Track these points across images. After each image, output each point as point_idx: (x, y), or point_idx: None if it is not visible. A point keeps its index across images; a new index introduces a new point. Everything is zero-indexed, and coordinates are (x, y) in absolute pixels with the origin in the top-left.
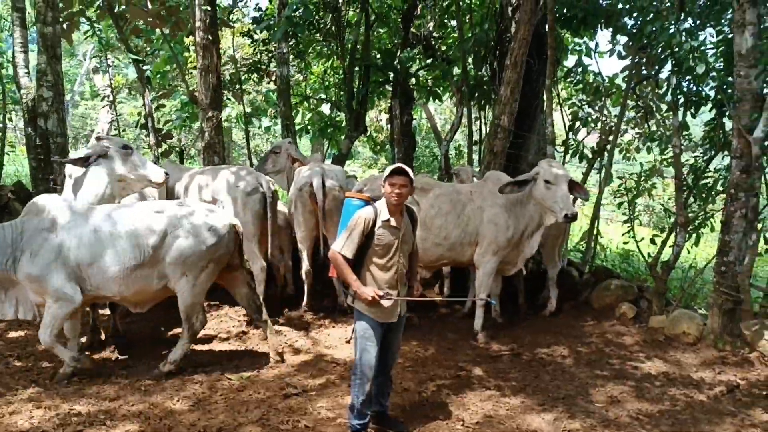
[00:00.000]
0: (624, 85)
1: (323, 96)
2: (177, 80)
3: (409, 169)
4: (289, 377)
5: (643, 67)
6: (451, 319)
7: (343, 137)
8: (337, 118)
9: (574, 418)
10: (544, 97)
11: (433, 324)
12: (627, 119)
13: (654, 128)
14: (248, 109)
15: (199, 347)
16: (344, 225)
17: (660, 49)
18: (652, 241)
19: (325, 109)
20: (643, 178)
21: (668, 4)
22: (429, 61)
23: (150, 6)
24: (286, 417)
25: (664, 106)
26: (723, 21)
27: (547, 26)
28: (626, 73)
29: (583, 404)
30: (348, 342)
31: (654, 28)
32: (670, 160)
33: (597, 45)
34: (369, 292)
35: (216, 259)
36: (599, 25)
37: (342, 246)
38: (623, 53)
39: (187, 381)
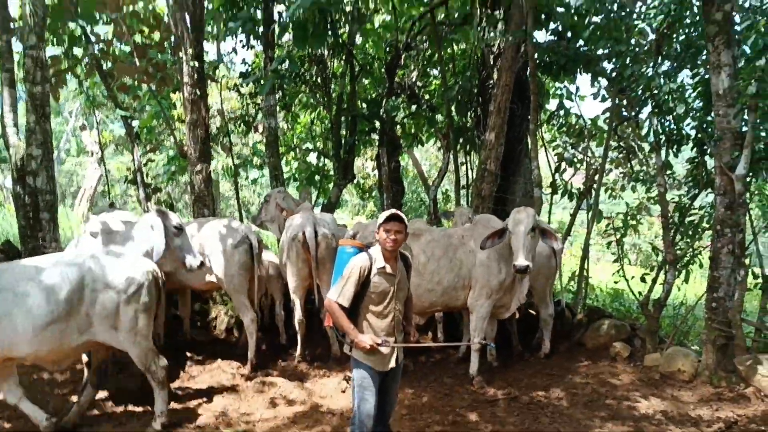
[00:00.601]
0: (606, 127)
1: (309, 146)
2: (164, 135)
3: (403, 215)
4: (284, 429)
5: (624, 109)
6: (445, 364)
7: (330, 185)
8: (324, 167)
9: None
10: (529, 141)
11: (428, 370)
12: (610, 159)
13: (637, 167)
14: (236, 161)
15: (192, 402)
16: (339, 273)
17: (640, 91)
18: (643, 280)
19: (312, 158)
20: (629, 216)
21: (646, 48)
22: (414, 108)
23: (138, 63)
24: None
25: (645, 146)
26: (698, 62)
27: (528, 72)
28: (607, 114)
29: None
30: (343, 392)
31: (633, 72)
32: (655, 199)
33: (578, 89)
34: (367, 340)
35: (143, 308)
36: (578, 70)
37: (338, 295)
38: (605, 96)
39: None
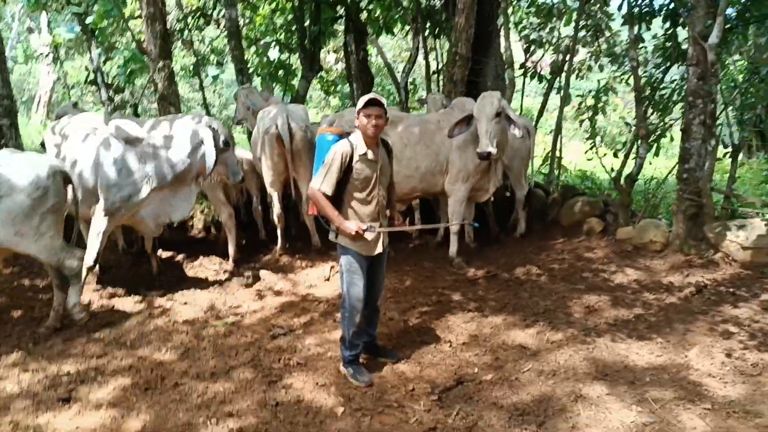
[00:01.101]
0: (572, 5)
1: (269, 39)
2: (116, 34)
3: (383, 99)
4: (273, 319)
5: None
6: (425, 249)
7: (295, 81)
8: (286, 61)
9: (556, 330)
10: (498, 22)
11: (408, 255)
12: (578, 39)
13: (605, 46)
14: (192, 60)
15: (178, 298)
16: (320, 161)
17: None
18: (615, 155)
19: (273, 53)
20: (601, 93)
21: None
22: None
23: None
24: (277, 356)
25: (613, 24)
26: None
27: None
28: None
29: (562, 316)
30: (327, 280)
31: None
32: (622, 77)
33: None
34: (352, 226)
35: (51, 210)
36: None
37: (321, 183)
38: None
39: (172, 332)
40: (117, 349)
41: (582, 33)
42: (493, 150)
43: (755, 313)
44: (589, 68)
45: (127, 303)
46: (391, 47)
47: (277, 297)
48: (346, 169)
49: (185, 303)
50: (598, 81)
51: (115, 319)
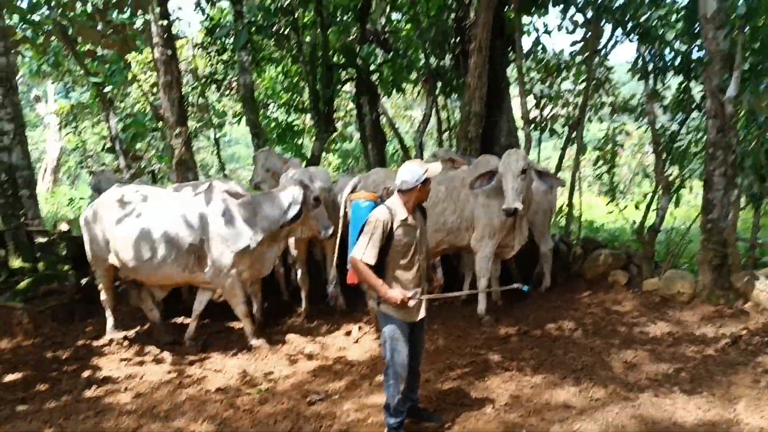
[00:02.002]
0: (580, 60)
1: (272, 101)
2: (118, 99)
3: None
4: (308, 384)
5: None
6: (452, 306)
7: (301, 141)
8: (294, 122)
9: (597, 387)
10: (509, 79)
11: (436, 313)
12: (577, 92)
13: (607, 99)
14: (198, 124)
15: (209, 365)
16: (356, 228)
17: (628, 20)
18: (637, 207)
19: (280, 114)
20: (612, 146)
21: None
22: (389, 55)
23: (100, 26)
24: (317, 424)
25: (612, 77)
26: None
27: (506, 9)
28: (577, 47)
29: (602, 372)
30: (356, 342)
31: (605, 1)
32: (621, 128)
33: (545, 25)
34: (397, 294)
35: None
36: (550, 3)
37: (363, 252)
38: (569, 29)
39: (206, 401)
40: (152, 421)
41: (583, 86)
42: (519, 206)
43: None
44: (590, 120)
45: (156, 371)
46: (390, 106)
47: (309, 361)
48: (387, 236)
49: (216, 370)
50: (607, 133)
51: (146, 389)
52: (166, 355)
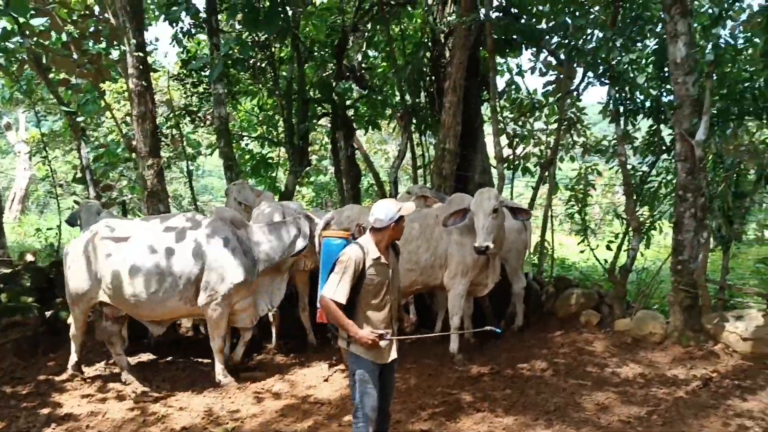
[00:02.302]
0: (549, 101)
1: (246, 134)
2: (90, 129)
3: None
4: (275, 424)
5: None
6: (424, 344)
7: (275, 174)
8: (267, 155)
9: (571, 429)
10: (484, 118)
11: (408, 351)
12: (548, 132)
13: (578, 139)
14: (171, 155)
15: (173, 403)
16: (326, 266)
17: (599, 63)
18: (608, 248)
19: (254, 146)
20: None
21: (601, 19)
22: (365, 92)
23: (75, 56)
24: None
25: (584, 118)
26: (647, 34)
27: (482, 49)
28: (549, 88)
29: (574, 414)
30: (326, 380)
31: (595, 44)
32: (593, 168)
33: (519, 65)
34: (368, 335)
35: None
36: (523, 45)
37: (334, 292)
38: (544, 70)
39: None
40: None
41: (554, 126)
42: (490, 244)
43: (766, 407)
44: (561, 159)
45: (119, 408)
46: (365, 141)
47: (276, 400)
48: (359, 276)
49: (181, 408)
50: (579, 172)
51: (108, 427)
52: (130, 392)
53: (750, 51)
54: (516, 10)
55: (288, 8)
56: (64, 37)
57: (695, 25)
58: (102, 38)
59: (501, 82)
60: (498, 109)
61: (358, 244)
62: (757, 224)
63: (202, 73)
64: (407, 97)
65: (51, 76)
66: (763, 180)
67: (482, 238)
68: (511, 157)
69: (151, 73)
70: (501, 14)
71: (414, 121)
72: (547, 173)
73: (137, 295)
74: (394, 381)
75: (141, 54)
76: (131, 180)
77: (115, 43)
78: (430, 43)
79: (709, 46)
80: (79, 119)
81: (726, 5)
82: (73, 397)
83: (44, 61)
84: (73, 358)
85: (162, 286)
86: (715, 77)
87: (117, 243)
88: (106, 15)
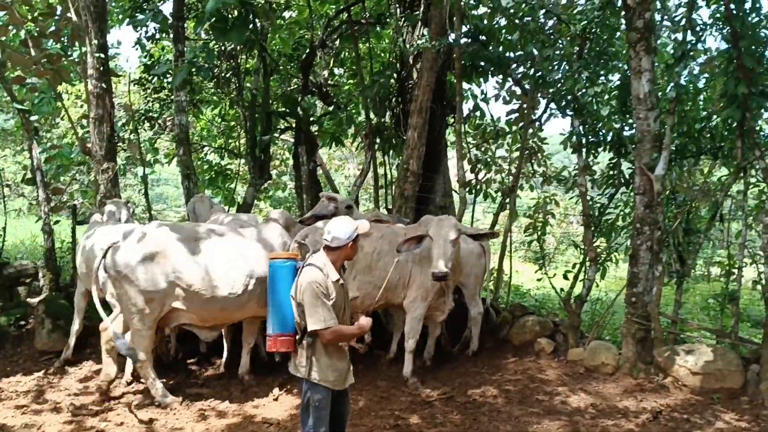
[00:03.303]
0: (511, 129)
1: (206, 144)
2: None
3: None
4: None
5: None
6: (377, 365)
7: (233, 185)
8: (226, 167)
9: None
10: (448, 142)
11: (361, 373)
12: (510, 160)
13: (538, 168)
14: (127, 160)
15: (113, 418)
16: (277, 291)
17: (564, 95)
18: (565, 277)
19: (213, 157)
20: (543, 214)
21: (568, 51)
22: (331, 108)
23: (33, 53)
24: None
25: (545, 148)
26: (609, 68)
27: (448, 74)
28: (513, 116)
29: None
30: (276, 400)
31: (561, 75)
32: (552, 198)
33: (484, 92)
34: (364, 324)
35: None
36: (490, 72)
37: (324, 321)
38: (507, 98)
39: None
40: None
41: (516, 154)
42: (449, 271)
43: None
44: (521, 188)
45: (55, 421)
46: (326, 158)
47: (222, 418)
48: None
49: (121, 423)
50: (543, 199)
51: None
52: (67, 404)
53: (709, 92)
54: (484, 38)
55: (257, 20)
56: (22, 34)
57: (657, 64)
58: (62, 37)
59: (465, 108)
60: (462, 134)
61: (317, 267)
62: (703, 262)
63: (165, 79)
64: (372, 116)
65: (6, 73)
66: (718, 217)
67: (442, 264)
68: (473, 181)
69: (112, 77)
70: (470, 40)
71: (378, 140)
72: (508, 200)
73: (219, 299)
74: (349, 405)
75: (102, 55)
76: (83, 184)
77: (75, 43)
78: (398, 64)
79: (671, 85)
80: (33, 118)
81: (689, 46)
82: (7, 408)
83: (0, 56)
84: (158, 387)
85: (246, 288)
86: (675, 114)
87: (189, 246)
88: (68, 14)
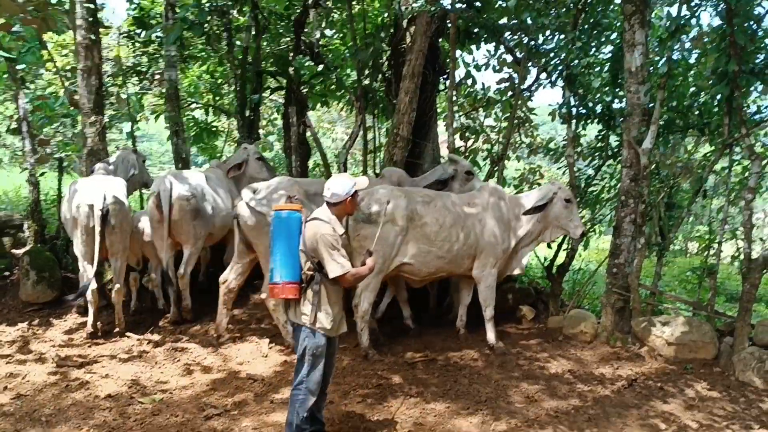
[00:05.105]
0: (506, 98)
1: (193, 100)
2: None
3: None
4: (205, 397)
5: (516, 80)
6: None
7: (218, 143)
8: (213, 123)
9: (499, 420)
10: (439, 107)
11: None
12: (498, 129)
13: (524, 138)
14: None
15: (98, 370)
16: (287, 241)
17: (557, 65)
18: (549, 246)
19: (198, 114)
20: (530, 185)
21: (563, 21)
22: (320, 68)
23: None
24: None
25: (533, 117)
26: (602, 40)
27: (443, 39)
28: (502, 85)
29: (504, 405)
30: (265, 356)
31: (556, 45)
32: (535, 169)
33: (475, 59)
34: (371, 263)
35: None
36: (483, 40)
37: (341, 266)
38: (497, 66)
39: (94, 408)
40: (31, 426)
41: (504, 123)
42: None
43: (684, 410)
44: (508, 158)
45: (40, 371)
46: (315, 119)
47: (207, 373)
48: None
49: (106, 375)
50: (523, 170)
51: (27, 390)
52: (52, 355)
53: (699, 67)
54: (479, 4)
55: None
56: None
57: (650, 38)
58: None
59: (456, 75)
60: (454, 101)
61: (323, 221)
62: (683, 236)
63: (153, 34)
64: (364, 79)
65: None
66: (700, 193)
67: (581, 224)
68: (461, 149)
69: (100, 28)
70: (465, 6)
71: (368, 104)
72: (496, 168)
73: (443, 257)
74: (335, 356)
75: (91, 5)
76: (66, 137)
77: None
78: (391, 28)
79: (664, 59)
80: (19, 67)
81: (683, 21)
82: None
83: None
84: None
85: (460, 247)
86: (665, 89)
87: (426, 207)
88: None
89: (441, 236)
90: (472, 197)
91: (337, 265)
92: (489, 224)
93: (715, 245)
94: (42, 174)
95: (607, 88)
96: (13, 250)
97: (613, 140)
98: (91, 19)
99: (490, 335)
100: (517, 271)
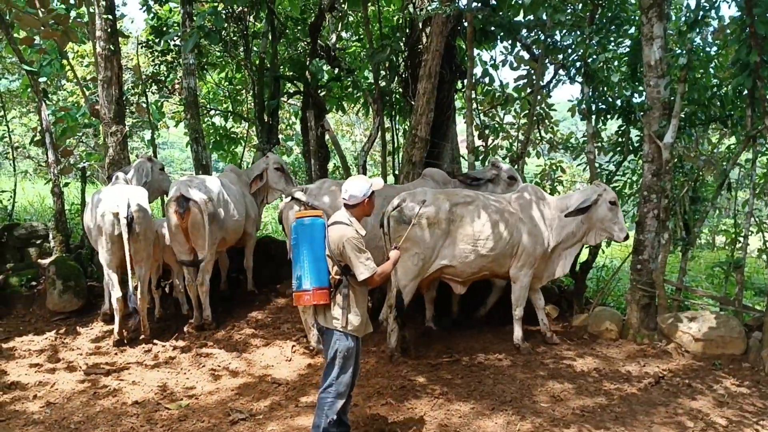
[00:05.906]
0: (524, 95)
1: (213, 107)
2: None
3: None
4: (231, 402)
5: (534, 77)
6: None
7: (238, 149)
8: (232, 129)
9: (525, 420)
10: (457, 107)
11: (369, 335)
12: (517, 126)
13: (545, 135)
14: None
15: (126, 377)
16: (315, 248)
17: (575, 61)
18: None
19: (218, 120)
20: (552, 181)
21: (579, 17)
22: (336, 72)
23: (40, 14)
24: None
25: (553, 114)
26: (620, 35)
27: (459, 39)
28: (521, 82)
29: (529, 405)
30: (289, 360)
31: (572, 41)
32: (557, 165)
33: (493, 57)
34: (394, 254)
35: None
36: (499, 38)
37: (370, 267)
38: (514, 64)
39: (122, 414)
40: None
41: (524, 120)
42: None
43: (713, 406)
44: (528, 155)
45: (69, 379)
46: (333, 122)
47: (233, 378)
48: None
49: (134, 382)
50: (544, 166)
51: (57, 398)
52: (80, 363)
53: (721, 59)
54: (495, 2)
55: None
56: None
57: (669, 31)
58: None
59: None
60: (472, 99)
61: (345, 224)
62: (709, 230)
63: (172, 42)
64: (381, 81)
65: (14, 33)
66: (725, 186)
67: (626, 227)
68: (481, 148)
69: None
70: (480, 5)
71: (386, 105)
72: (516, 166)
73: (487, 255)
74: (360, 357)
75: (110, 17)
76: (89, 147)
77: (83, 4)
78: (407, 29)
79: (683, 51)
80: (41, 80)
81: (702, 13)
82: (21, 366)
83: (8, 17)
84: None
85: (504, 246)
86: (686, 82)
87: (466, 208)
88: None
89: (484, 235)
90: (512, 197)
91: (365, 268)
92: (529, 224)
93: (741, 239)
94: (66, 184)
95: (626, 83)
96: (39, 260)
97: (634, 135)
98: (109, 30)
99: (518, 334)
100: (559, 274)
